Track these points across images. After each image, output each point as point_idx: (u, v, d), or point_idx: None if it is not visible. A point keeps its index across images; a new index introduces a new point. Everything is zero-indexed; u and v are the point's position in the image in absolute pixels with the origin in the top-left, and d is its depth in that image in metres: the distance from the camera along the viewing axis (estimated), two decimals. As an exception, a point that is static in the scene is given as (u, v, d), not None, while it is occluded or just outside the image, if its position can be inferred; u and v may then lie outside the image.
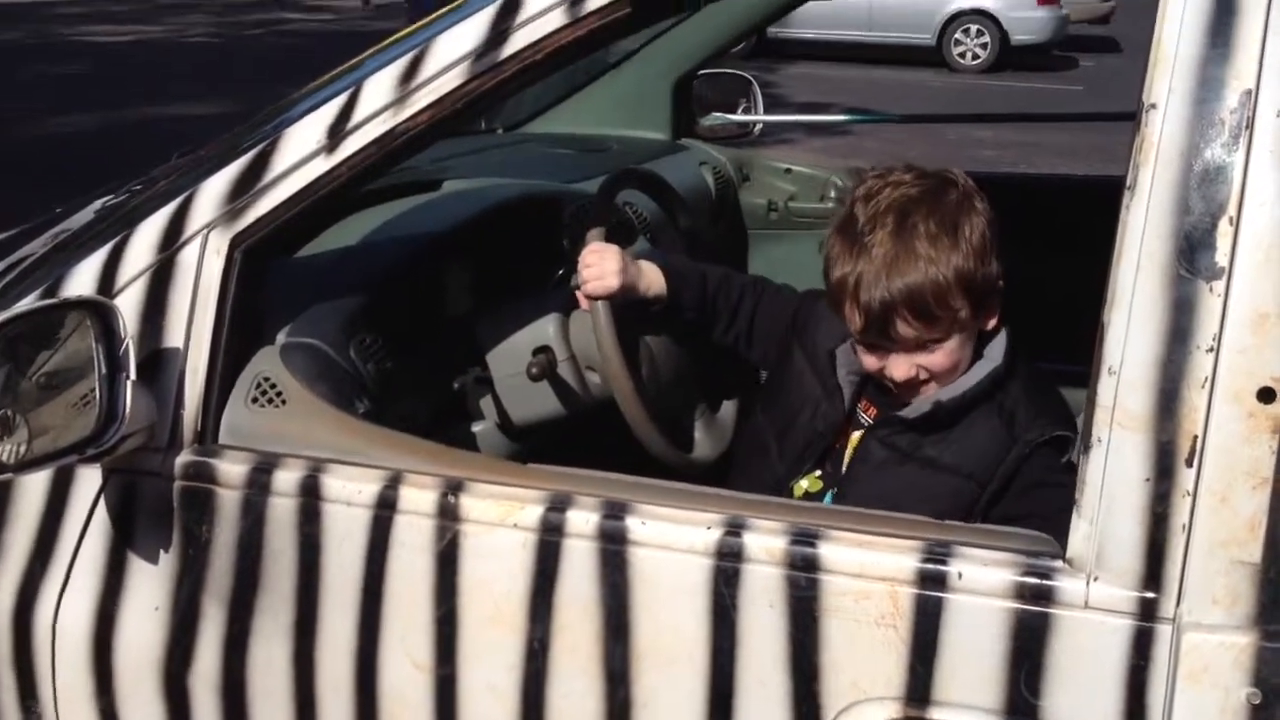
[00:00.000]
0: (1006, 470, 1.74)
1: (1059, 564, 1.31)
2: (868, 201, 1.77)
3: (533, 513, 1.48)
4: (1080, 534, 1.30)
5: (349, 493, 1.55)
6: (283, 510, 1.58)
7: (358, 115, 1.60)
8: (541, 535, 1.48)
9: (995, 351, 1.79)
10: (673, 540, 1.43)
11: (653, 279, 1.93)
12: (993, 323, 1.78)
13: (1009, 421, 1.76)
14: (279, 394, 1.64)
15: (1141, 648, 1.28)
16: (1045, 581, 1.31)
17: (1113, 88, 11.80)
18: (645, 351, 1.90)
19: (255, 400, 1.64)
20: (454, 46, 1.56)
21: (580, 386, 1.95)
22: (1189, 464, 1.25)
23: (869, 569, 1.36)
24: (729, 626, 1.41)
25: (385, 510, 1.54)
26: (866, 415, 1.86)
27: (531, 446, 2.03)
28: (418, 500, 1.53)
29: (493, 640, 1.51)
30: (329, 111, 1.61)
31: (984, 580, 1.33)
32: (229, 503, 1.60)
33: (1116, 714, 1.29)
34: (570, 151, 3.00)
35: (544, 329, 1.93)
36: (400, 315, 1.89)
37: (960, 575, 1.33)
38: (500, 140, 3.21)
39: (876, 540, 1.38)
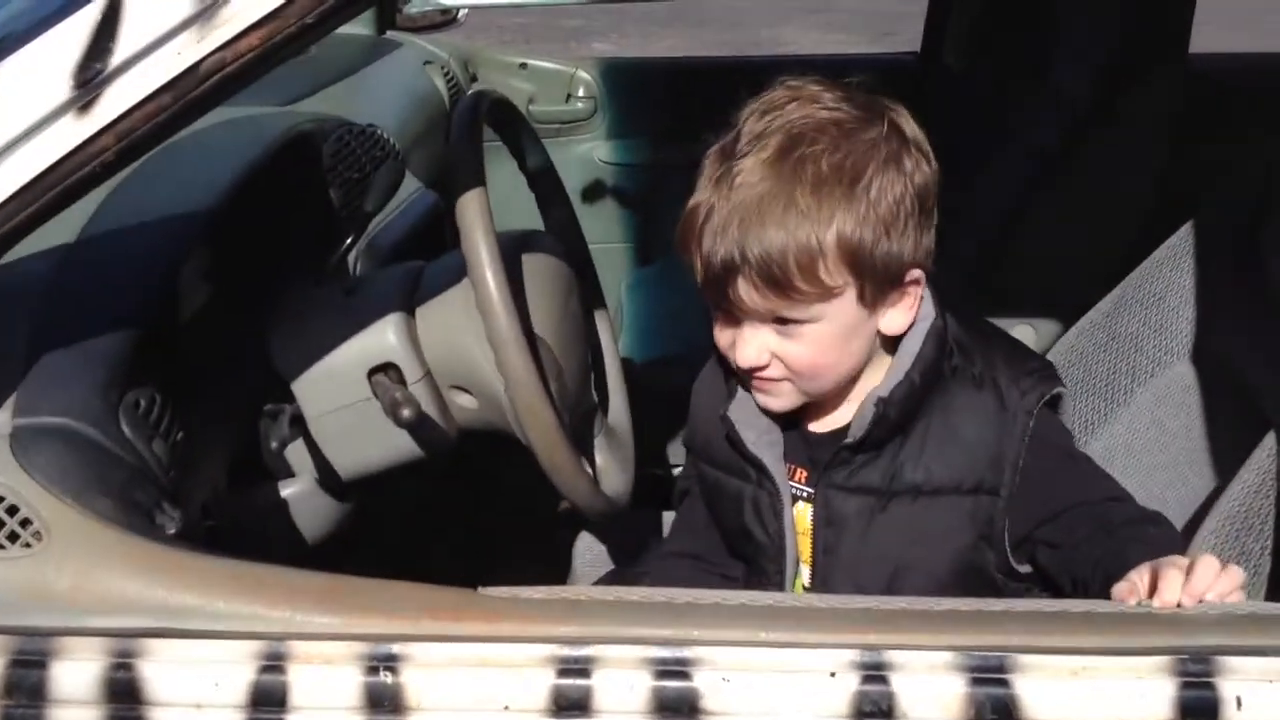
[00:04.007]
0: (1014, 457, 1.30)
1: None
2: (763, 116, 1.25)
3: (535, 685, 0.92)
4: None
5: (200, 690, 0.94)
6: (75, 729, 0.94)
7: (128, 43, 0.94)
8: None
9: (926, 308, 1.30)
10: (775, 704, 0.92)
11: None
12: (903, 324, 1.28)
13: (994, 392, 1.30)
14: (25, 525, 0.99)
15: None
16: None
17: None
18: (547, 354, 1.33)
19: (-14, 541, 0.98)
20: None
21: (441, 415, 1.36)
22: None
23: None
24: (881, 818, 0.92)
25: (269, 712, 0.93)
26: (798, 483, 1.36)
27: (358, 505, 1.43)
28: (325, 685, 0.93)
29: None
30: (72, 38, 0.94)
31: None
32: (-29, 725, 0.95)
33: None
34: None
35: (382, 337, 1.32)
36: (178, 350, 1.23)
37: (1240, 701, 0.89)
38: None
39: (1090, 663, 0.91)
